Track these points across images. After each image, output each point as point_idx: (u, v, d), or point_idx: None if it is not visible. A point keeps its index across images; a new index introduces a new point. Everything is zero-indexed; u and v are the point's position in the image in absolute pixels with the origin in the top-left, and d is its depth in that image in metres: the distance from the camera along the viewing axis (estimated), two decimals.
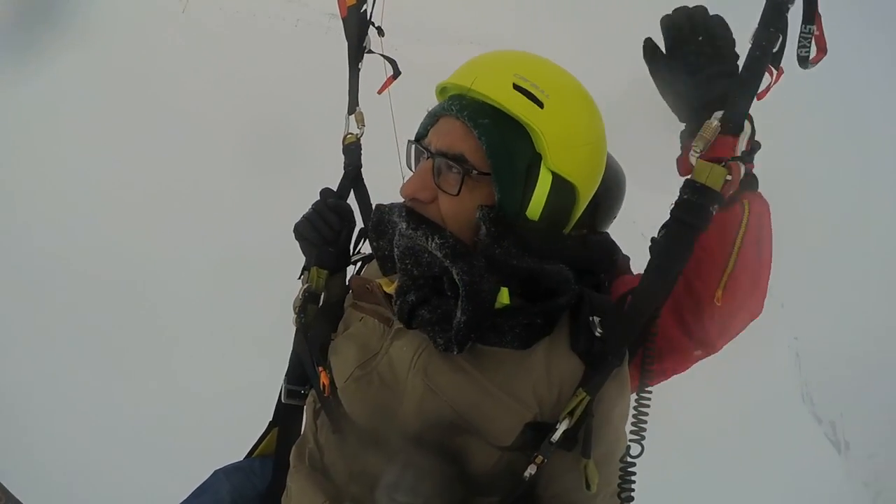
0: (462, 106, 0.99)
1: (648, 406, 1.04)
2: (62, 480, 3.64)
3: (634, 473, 1.02)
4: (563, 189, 1.02)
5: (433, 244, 0.96)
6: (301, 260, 1.36)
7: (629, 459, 1.02)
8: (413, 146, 1.07)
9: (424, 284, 1.01)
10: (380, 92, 1.53)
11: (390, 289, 1.08)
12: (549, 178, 0.99)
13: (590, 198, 1.11)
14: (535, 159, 0.99)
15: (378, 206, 1.11)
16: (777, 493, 6.12)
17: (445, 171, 0.99)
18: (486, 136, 0.96)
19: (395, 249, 1.03)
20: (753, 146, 0.99)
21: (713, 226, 1.00)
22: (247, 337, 6.08)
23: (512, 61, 1.02)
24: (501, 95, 0.97)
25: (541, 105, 0.96)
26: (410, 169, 1.08)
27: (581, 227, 1.66)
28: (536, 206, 1.00)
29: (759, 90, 0.98)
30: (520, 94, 0.97)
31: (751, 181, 1.05)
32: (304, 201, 1.37)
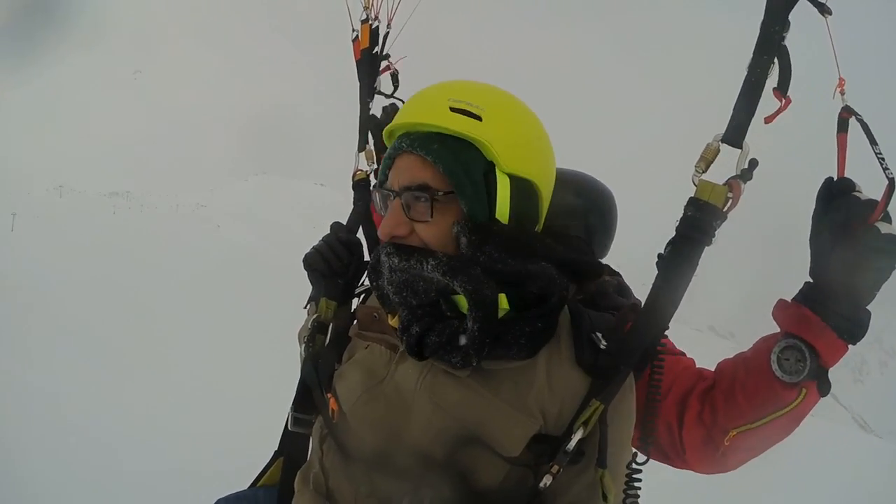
0: (411, 140, 1.06)
1: (655, 420, 1.07)
2: (60, 480, 3.61)
3: (640, 480, 1.06)
4: (522, 188, 1.07)
5: (428, 267, 1.01)
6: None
7: (635, 466, 1.07)
8: (377, 192, 1.13)
9: (424, 314, 1.05)
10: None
11: (394, 322, 1.12)
12: (507, 180, 1.05)
13: (551, 192, 1.16)
14: (489, 167, 1.05)
15: (377, 248, 1.15)
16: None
17: (414, 202, 1.05)
18: (439, 158, 1.03)
19: (389, 287, 1.07)
20: (751, 164, 1.06)
21: (767, 383, 1.06)
22: (246, 336, 6.07)
23: (443, 90, 1.10)
24: (442, 120, 1.04)
25: (479, 118, 1.04)
26: (381, 214, 1.13)
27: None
28: (503, 208, 1.05)
29: (768, 115, 1.05)
30: (457, 114, 1.04)
31: (823, 381, 1.06)
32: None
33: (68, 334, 6.25)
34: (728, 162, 1.06)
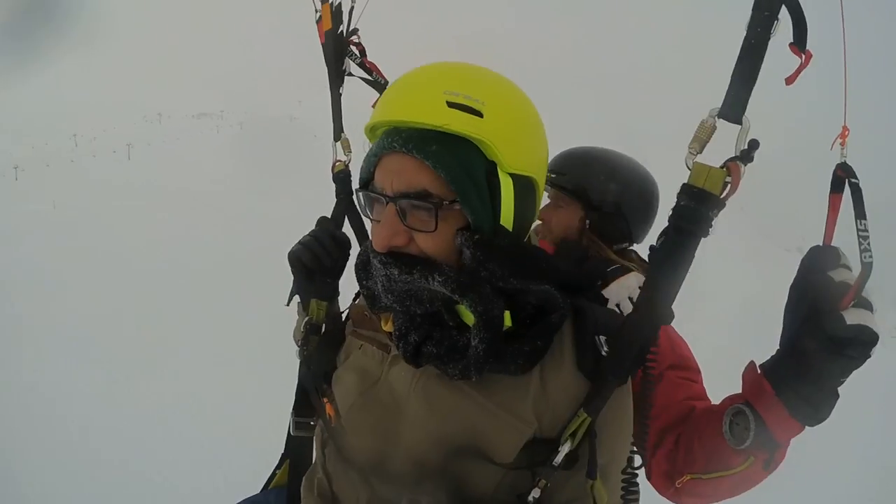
0: (404, 139, 0.92)
1: (649, 422, 1.02)
2: (60, 480, 3.74)
3: (637, 485, 1.02)
4: (524, 186, 0.98)
5: (435, 283, 0.93)
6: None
7: (630, 471, 1.02)
8: (362, 193, 1.01)
9: (423, 322, 0.99)
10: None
11: (387, 327, 1.07)
12: (510, 181, 0.95)
13: (545, 181, 1.05)
14: (491, 167, 0.94)
15: (365, 245, 1.07)
16: None
17: (412, 210, 0.94)
18: (441, 164, 0.90)
19: (389, 294, 0.98)
20: (751, 145, 0.90)
21: (718, 442, 1.04)
22: (247, 337, 6.07)
23: (436, 79, 0.95)
24: (440, 119, 0.90)
25: (480, 115, 0.91)
26: (366, 216, 1.03)
27: (622, 241, 1.66)
28: (507, 213, 0.96)
29: (789, 75, 0.88)
30: (456, 110, 0.91)
31: (771, 458, 1.00)
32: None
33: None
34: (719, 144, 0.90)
